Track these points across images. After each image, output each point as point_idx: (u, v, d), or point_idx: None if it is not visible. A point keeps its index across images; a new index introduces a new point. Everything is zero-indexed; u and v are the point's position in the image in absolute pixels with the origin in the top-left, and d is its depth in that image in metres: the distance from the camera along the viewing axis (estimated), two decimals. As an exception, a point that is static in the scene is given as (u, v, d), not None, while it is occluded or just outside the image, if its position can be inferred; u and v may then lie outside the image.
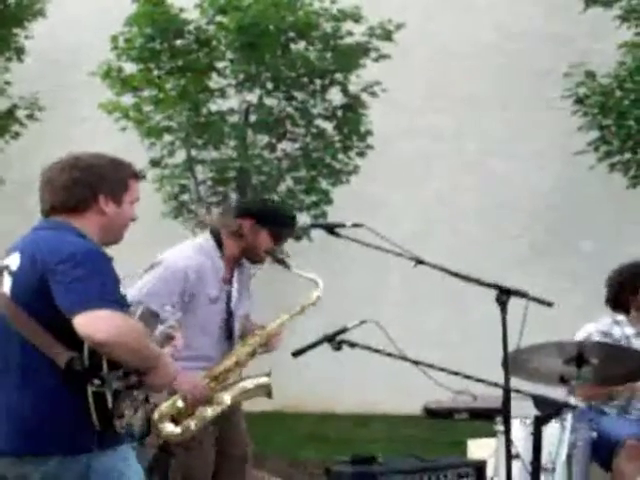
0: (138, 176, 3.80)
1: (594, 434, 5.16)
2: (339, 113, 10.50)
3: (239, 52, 10.03)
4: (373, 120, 10.49)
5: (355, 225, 4.25)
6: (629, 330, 5.81)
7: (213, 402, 4.88)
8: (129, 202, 3.73)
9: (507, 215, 11.48)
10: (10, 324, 3.45)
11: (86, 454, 3.42)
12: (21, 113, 11.40)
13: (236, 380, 4.99)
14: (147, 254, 5.03)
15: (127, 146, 9.61)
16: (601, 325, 5.83)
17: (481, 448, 5.74)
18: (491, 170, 11.54)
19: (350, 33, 10.29)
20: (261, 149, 10.35)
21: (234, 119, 10.40)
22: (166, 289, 4.76)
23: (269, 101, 10.39)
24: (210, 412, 4.88)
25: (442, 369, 3.98)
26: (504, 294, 3.99)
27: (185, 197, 10.44)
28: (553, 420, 4.49)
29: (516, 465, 4.34)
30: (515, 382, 4.09)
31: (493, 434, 5.09)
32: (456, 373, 4.02)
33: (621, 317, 5.86)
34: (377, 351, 4.03)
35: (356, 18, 10.22)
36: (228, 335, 5.01)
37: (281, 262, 5.12)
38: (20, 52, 11.43)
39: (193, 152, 10.37)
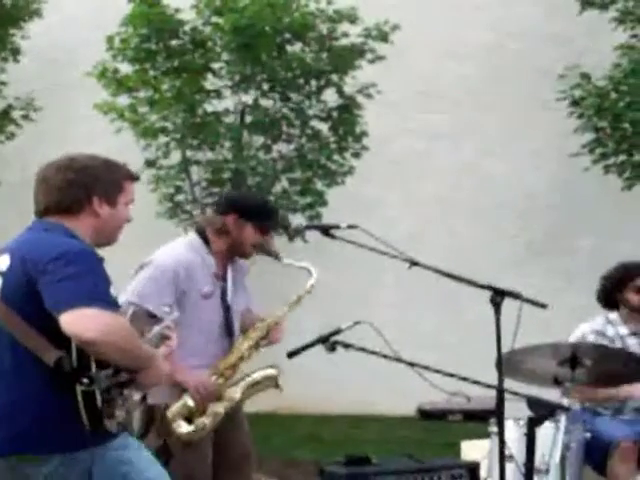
0: (133, 177, 3.80)
1: (588, 435, 5.17)
2: (334, 114, 10.51)
3: (235, 53, 10.03)
4: (368, 121, 10.51)
5: (350, 226, 4.26)
6: (623, 330, 5.84)
7: (223, 398, 4.90)
8: (124, 203, 3.73)
9: (503, 216, 11.49)
10: (0, 325, 3.45)
11: (84, 450, 3.42)
12: (17, 114, 11.40)
13: (243, 375, 5.00)
14: (142, 254, 5.02)
15: (122, 147, 9.62)
16: (595, 324, 5.86)
17: (475, 449, 5.75)
18: (487, 171, 11.55)
19: (346, 34, 10.30)
20: (256, 150, 10.35)
21: (229, 120, 10.41)
22: (157, 288, 4.75)
23: (264, 102, 10.40)
24: (222, 408, 4.89)
25: (437, 370, 3.99)
26: (498, 295, 3.99)
27: (180, 198, 10.44)
28: (547, 421, 4.49)
29: (509, 466, 4.35)
30: (509, 383, 4.10)
31: (487, 435, 5.10)
32: (450, 375, 4.03)
33: (614, 316, 5.89)
34: (372, 352, 4.04)
35: (352, 19, 10.23)
36: (228, 331, 5.01)
37: (271, 254, 5.14)
38: (16, 52, 11.44)
39: (188, 153, 10.37)
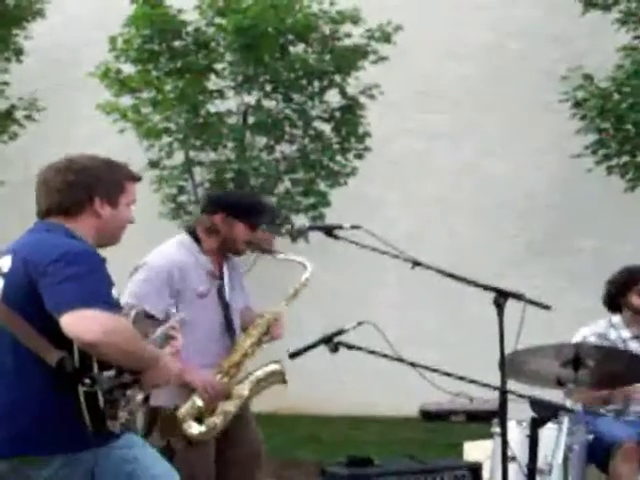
0: (134, 178, 3.79)
1: (590, 437, 5.17)
2: (337, 115, 10.51)
3: (238, 54, 10.03)
4: (371, 121, 10.51)
5: (353, 227, 4.26)
6: (625, 333, 5.84)
7: (232, 396, 4.90)
8: (125, 204, 3.72)
9: (504, 216, 11.49)
10: (2, 326, 3.45)
11: (87, 451, 3.42)
12: (19, 114, 11.40)
13: (248, 373, 5.00)
14: (144, 255, 5.02)
15: (125, 147, 9.63)
16: (597, 328, 5.86)
17: (477, 450, 5.75)
18: (487, 171, 11.55)
19: (348, 35, 10.30)
20: (259, 151, 10.35)
21: (232, 121, 10.41)
22: (153, 289, 4.75)
23: (267, 103, 10.40)
24: (232, 406, 4.90)
25: (440, 372, 3.98)
26: (501, 296, 3.99)
27: (183, 198, 10.45)
28: (549, 423, 4.49)
29: (512, 467, 4.34)
30: (512, 384, 4.10)
31: (489, 436, 5.09)
32: (457, 377, 4.02)
33: (617, 319, 5.89)
34: (374, 353, 4.03)
35: (354, 20, 10.23)
36: (229, 329, 5.01)
37: (265, 250, 5.15)
38: (19, 53, 11.44)
39: (191, 153, 10.37)
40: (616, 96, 9.84)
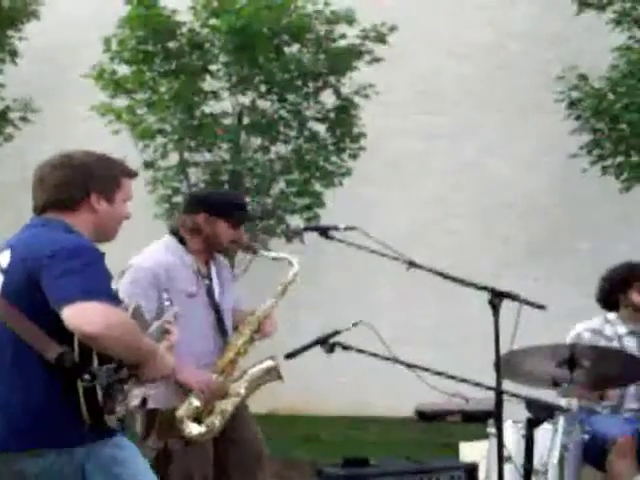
0: (130, 174, 3.79)
1: (586, 436, 5.18)
2: (332, 115, 10.51)
3: (232, 54, 10.03)
4: (367, 121, 10.51)
5: (348, 228, 4.26)
6: (621, 329, 5.85)
7: (229, 395, 4.90)
8: (122, 200, 3.72)
9: (502, 216, 11.49)
10: (2, 321, 3.45)
11: (83, 446, 3.42)
12: (14, 115, 11.40)
13: (243, 371, 5.00)
14: (139, 256, 5.01)
15: (120, 148, 9.61)
16: (592, 324, 5.87)
17: (473, 451, 5.75)
18: (485, 171, 11.56)
19: (343, 36, 10.30)
20: (254, 151, 10.36)
21: (227, 121, 10.41)
22: (140, 290, 4.73)
23: (262, 103, 10.40)
24: (229, 405, 4.90)
25: (436, 372, 3.99)
26: (496, 297, 4.00)
27: (178, 199, 10.43)
28: (545, 423, 4.49)
29: (508, 468, 4.35)
30: (507, 385, 4.10)
31: (485, 436, 5.10)
32: (449, 376, 4.02)
33: (612, 316, 5.90)
34: (371, 354, 4.04)
35: (349, 21, 10.23)
36: (220, 329, 5.01)
37: (249, 248, 5.16)
38: (14, 54, 11.43)
39: (186, 154, 10.37)
40: (611, 96, 9.85)
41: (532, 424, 4.33)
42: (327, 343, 4.04)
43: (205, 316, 4.95)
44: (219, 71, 10.38)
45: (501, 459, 4.05)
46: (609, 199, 10.70)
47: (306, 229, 4.94)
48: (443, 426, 8.22)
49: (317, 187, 10.44)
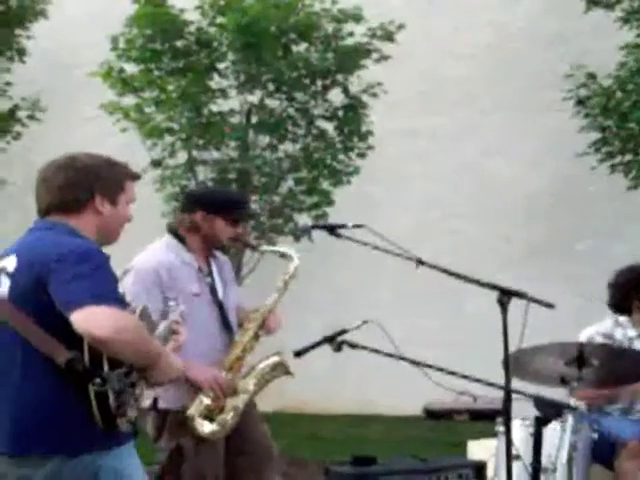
0: (134, 177, 3.80)
1: (595, 435, 5.16)
2: (340, 114, 10.51)
3: (240, 53, 10.03)
4: (373, 120, 10.50)
5: (356, 226, 4.26)
6: (631, 332, 5.83)
7: (238, 392, 4.90)
8: (125, 202, 3.73)
9: (505, 216, 11.47)
10: (10, 326, 3.45)
11: (91, 454, 3.41)
12: (22, 114, 11.42)
13: (250, 368, 5.01)
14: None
15: (128, 147, 9.63)
16: (602, 327, 5.84)
17: (481, 449, 5.75)
18: (489, 171, 11.54)
19: (351, 34, 10.29)
20: (262, 150, 10.36)
21: (235, 120, 10.41)
22: (143, 290, 4.74)
23: (270, 102, 10.40)
24: (240, 402, 4.90)
25: (444, 370, 3.98)
26: (505, 295, 3.99)
27: (186, 198, 10.43)
28: (554, 421, 4.48)
29: (516, 466, 4.34)
30: (516, 383, 4.09)
31: (493, 435, 5.09)
32: (459, 375, 4.02)
33: (623, 319, 5.87)
34: (378, 352, 4.03)
35: (357, 19, 10.22)
36: (226, 327, 5.01)
37: (248, 245, 5.17)
38: (22, 53, 11.45)
39: (194, 153, 10.37)
40: (619, 94, 9.83)
41: (541, 422, 4.32)
42: (335, 341, 4.04)
43: (209, 314, 4.95)
44: (227, 69, 10.38)
45: (509, 457, 4.04)
46: (612, 198, 10.68)
47: (314, 227, 4.93)
48: (451, 424, 8.24)
49: (325, 185, 10.44)
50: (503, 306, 3.98)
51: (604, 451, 5.41)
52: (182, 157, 10.40)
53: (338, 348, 4.04)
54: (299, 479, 8.51)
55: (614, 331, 5.83)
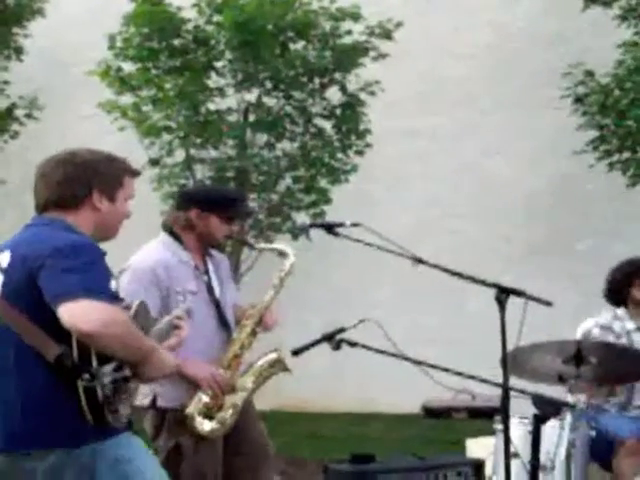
0: (133, 173, 3.79)
1: (593, 433, 5.17)
2: (338, 112, 10.50)
3: (237, 51, 10.02)
4: (371, 119, 10.50)
5: (354, 224, 4.26)
6: (630, 325, 5.84)
7: (237, 389, 4.90)
8: (123, 199, 3.72)
9: (504, 215, 11.47)
10: (3, 322, 3.44)
11: (87, 446, 3.41)
12: (20, 112, 11.41)
13: (248, 365, 5.01)
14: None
15: (126, 145, 9.62)
16: (602, 319, 5.87)
17: (480, 447, 5.75)
18: (489, 170, 11.54)
19: (349, 32, 10.28)
20: (260, 148, 10.35)
21: (233, 118, 10.40)
22: (141, 288, 4.72)
23: (268, 100, 10.39)
24: (239, 399, 4.90)
25: (444, 369, 3.98)
26: (503, 293, 3.99)
27: (184, 196, 10.42)
28: (552, 419, 4.49)
29: (515, 464, 4.34)
30: (514, 381, 4.09)
31: (492, 433, 5.09)
32: (458, 373, 4.02)
33: (621, 311, 5.89)
34: (379, 351, 4.03)
35: (355, 17, 10.21)
36: (223, 324, 5.00)
37: (243, 243, 5.16)
38: (19, 51, 11.45)
39: (192, 151, 10.36)
40: (617, 92, 9.83)
41: (539, 420, 4.33)
42: (333, 340, 4.04)
43: (207, 313, 4.94)
44: (224, 68, 10.37)
45: (508, 455, 4.04)
46: (612, 196, 10.68)
47: (312, 226, 4.93)
48: (449, 422, 8.23)
49: (323, 184, 10.44)
50: (501, 304, 3.98)
51: (602, 449, 5.41)
52: (180, 156, 10.40)
53: (337, 346, 4.03)
54: (298, 478, 8.52)
55: (612, 323, 5.85)
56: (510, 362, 4.05)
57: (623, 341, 5.76)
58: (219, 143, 10.30)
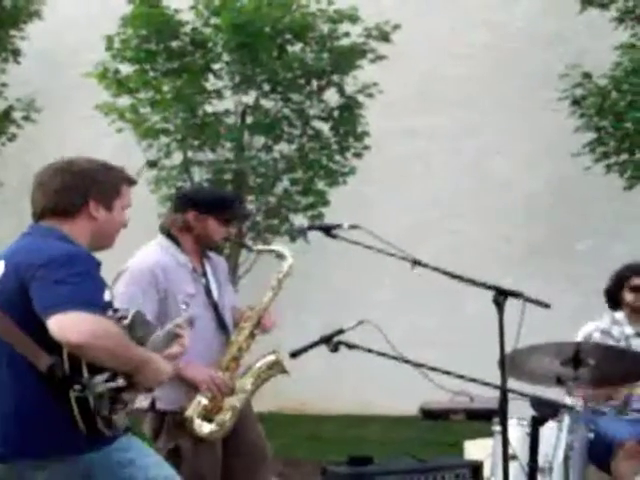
0: (130, 182, 3.79)
1: (591, 435, 5.16)
2: (335, 114, 10.50)
3: (235, 53, 10.02)
4: (370, 121, 10.49)
5: (352, 227, 4.25)
6: (628, 330, 5.85)
7: (236, 391, 4.90)
8: (120, 207, 3.71)
9: (503, 216, 11.47)
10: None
11: (82, 455, 3.41)
12: (17, 115, 11.41)
13: (246, 367, 5.00)
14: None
15: (124, 148, 9.63)
16: (602, 324, 5.87)
17: (478, 449, 5.75)
18: (487, 171, 11.54)
19: (347, 34, 10.29)
20: (257, 151, 10.35)
21: (230, 120, 10.40)
22: (139, 290, 4.72)
23: (265, 103, 10.39)
24: (237, 402, 4.90)
25: (443, 371, 3.98)
26: (501, 295, 3.99)
27: (182, 198, 10.40)
28: (550, 421, 4.49)
29: (513, 466, 4.34)
30: (512, 383, 4.09)
31: (490, 435, 5.09)
32: (456, 375, 4.02)
33: (620, 316, 5.90)
34: (378, 353, 4.03)
35: (353, 19, 10.21)
36: (222, 327, 5.00)
37: (241, 245, 5.16)
38: (16, 54, 11.45)
39: (189, 153, 10.36)
40: (614, 94, 9.83)
41: (537, 422, 4.33)
42: (331, 342, 4.03)
43: (205, 315, 4.93)
44: (222, 70, 10.37)
45: (506, 457, 4.04)
46: (611, 198, 10.68)
47: (310, 228, 4.91)
48: (448, 424, 8.22)
49: (321, 186, 10.44)
50: (499, 306, 3.98)
51: (600, 451, 5.41)
52: (177, 158, 10.40)
53: (335, 348, 4.03)
54: (295, 479, 8.52)
55: (611, 328, 5.85)
56: (508, 364, 4.05)
57: (621, 345, 5.76)
58: (216, 145, 10.30)
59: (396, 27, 10.36)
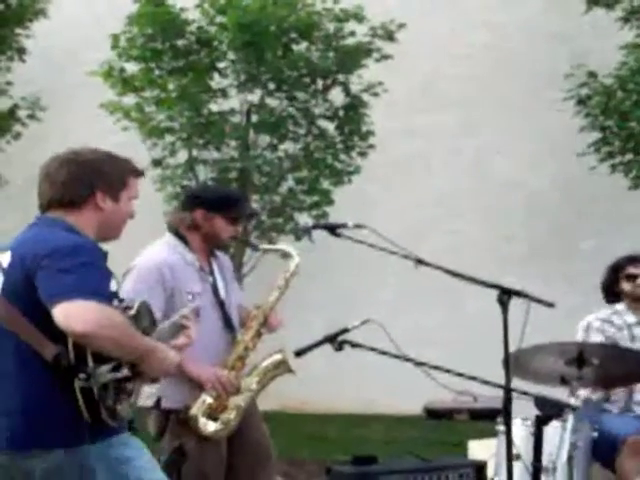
0: (137, 173, 3.78)
1: (595, 434, 5.15)
2: (341, 113, 10.50)
3: (240, 52, 10.03)
4: (374, 120, 10.50)
5: (357, 226, 4.25)
6: (630, 318, 5.83)
7: (242, 390, 4.90)
8: (127, 199, 3.70)
9: (505, 216, 11.47)
10: (4, 324, 3.45)
11: (84, 446, 3.41)
12: (22, 113, 11.42)
13: (252, 366, 5.00)
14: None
15: (129, 146, 9.61)
16: (601, 314, 5.86)
17: (482, 448, 5.74)
18: (490, 170, 11.54)
19: (352, 33, 10.29)
20: (262, 149, 10.36)
21: (236, 119, 10.41)
22: (145, 287, 4.71)
23: (271, 101, 10.40)
24: (242, 401, 4.90)
25: (447, 370, 3.98)
26: (505, 294, 3.99)
27: (186, 197, 10.42)
28: (554, 420, 4.48)
29: (517, 466, 4.34)
30: (516, 382, 4.09)
31: (494, 434, 5.09)
32: (460, 374, 4.01)
33: (621, 306, 5.89)
34: (381, 352, 4.03)
35: (358, 18, 10.22)
36: (228, 326, 5.00)
37: (247, 244, 5.14)
38: (22, 52, 11.45)
39: (194, 152, 10.37)
40: (620, 94, 9.83)
41: (541, 422, 4.32)
42: (336, 341, 4.03)
43: (212, 314, 4.93)
44: (227, 69, 10.39)
45: (510, 457, 4.03)
46: (613, 198, 10.68)
47: (315, 227, 4.90)
48: (451, 424, 8.23)
49: (326, 185, 10.44)
50: (503, 305, 3.97)
51: (604, 449, 5.40)
52: (182, 156, 10.41)
53: (339, 347, 4.03)
54: (299, 479, 8.52)
55: (612, 317, 5.84)
56: (512, 363, 4.04)
57: (624, 334, 5.75)
58: (222, 144, 10.31)
59: (401, 26, 10.36)
